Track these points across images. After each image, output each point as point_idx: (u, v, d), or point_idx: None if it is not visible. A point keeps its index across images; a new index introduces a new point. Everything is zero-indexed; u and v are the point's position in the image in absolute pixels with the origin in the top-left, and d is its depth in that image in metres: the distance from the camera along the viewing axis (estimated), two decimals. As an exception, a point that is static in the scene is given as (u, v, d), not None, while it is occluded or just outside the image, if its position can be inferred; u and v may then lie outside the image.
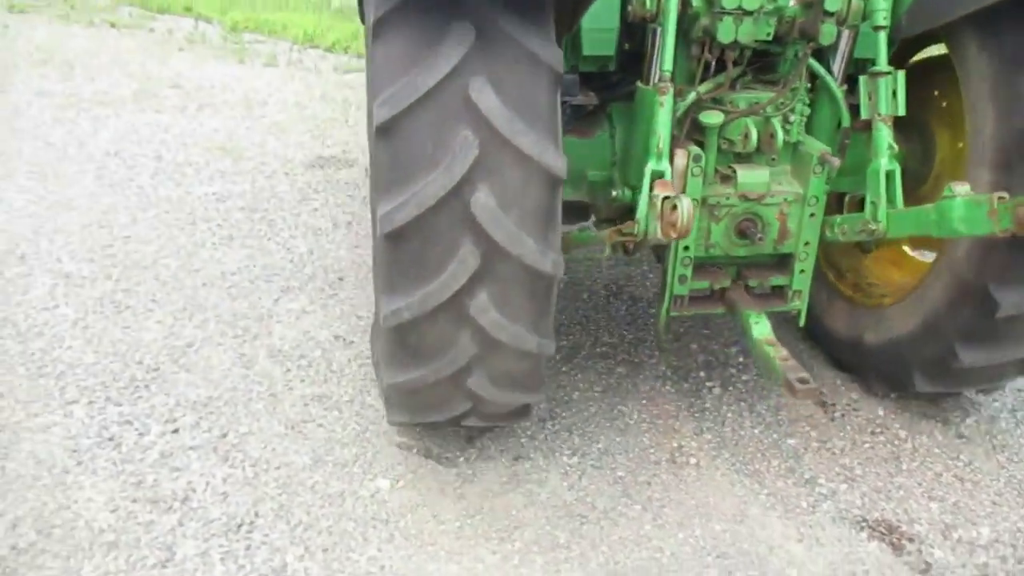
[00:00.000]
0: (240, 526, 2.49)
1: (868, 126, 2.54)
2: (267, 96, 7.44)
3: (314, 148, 5.99)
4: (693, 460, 2.89)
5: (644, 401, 3.21)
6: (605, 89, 2.84)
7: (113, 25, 11.05)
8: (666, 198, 2.16)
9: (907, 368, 2.88)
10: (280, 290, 3.89)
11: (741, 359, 3.50)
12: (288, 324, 3.60)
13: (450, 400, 2.45)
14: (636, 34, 2.63)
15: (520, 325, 2.27)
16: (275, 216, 4.75)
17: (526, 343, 2.29)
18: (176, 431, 2.90)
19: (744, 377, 3.38)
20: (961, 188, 2.24)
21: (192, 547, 2.41)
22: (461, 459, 2.83)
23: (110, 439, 2.84)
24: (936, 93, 2.94)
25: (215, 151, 5.85)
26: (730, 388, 3.31)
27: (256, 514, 2.54)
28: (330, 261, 4.21)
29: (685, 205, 2.08)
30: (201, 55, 9.22)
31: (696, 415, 3.13)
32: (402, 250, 2.16)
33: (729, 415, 3.14)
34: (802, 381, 2.40)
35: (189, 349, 3.39)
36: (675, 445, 2.96)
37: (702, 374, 3.40)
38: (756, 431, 3.06)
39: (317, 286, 3.95)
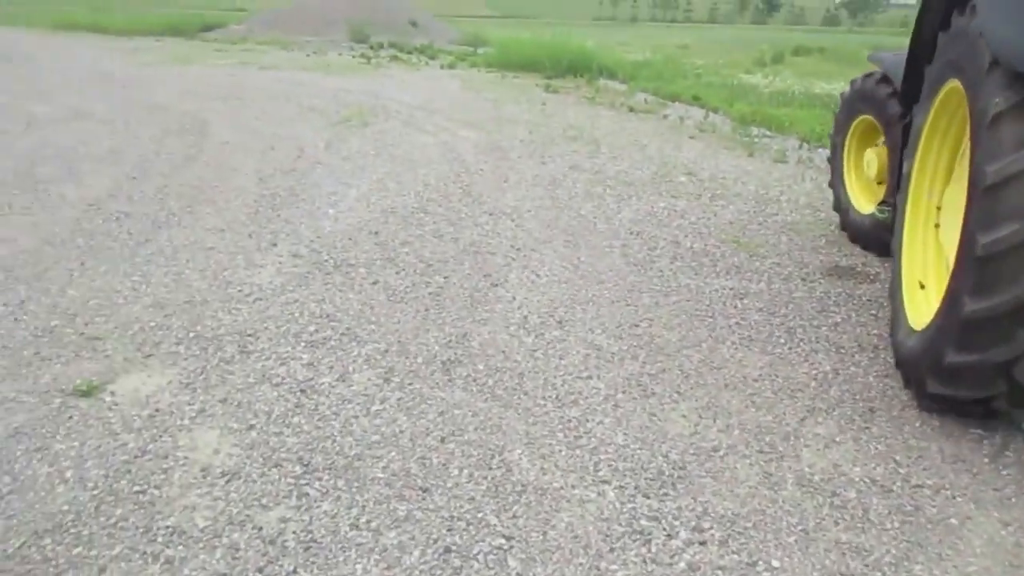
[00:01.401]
0: None
1: None
2: (778, 194, 7.34)
3: (831, 255, 5.70)
4: None
5: None
6: None
7: (631, 109, 11.97)
8: None
9: None
10: (806, 409, 3.64)
11: None
12: (816, 451, 3.33)
13: (1017, 334, 3.02)
14: None
15: None
16: (794, 324, 4.54)
17: None
18: (703, 543, 2.77)
19: None
20: None
21: None
22: None
23: (639, 532, 2.81)
24: None
25: (730, 243, 5.86)
26: None
27: (793, 671, 2.29)
28: (858, 387, 3.86)
29: None
30: (711, 145, 9.50)
31: None
32: (1002, 199, 2.96)
33: None
34: None
35: (715, 454, 3.28)
36: None
37: None
38: None
39: (846, 413, 3.62)
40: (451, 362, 3.96)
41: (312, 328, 4.29)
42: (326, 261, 5.29)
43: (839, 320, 4.62)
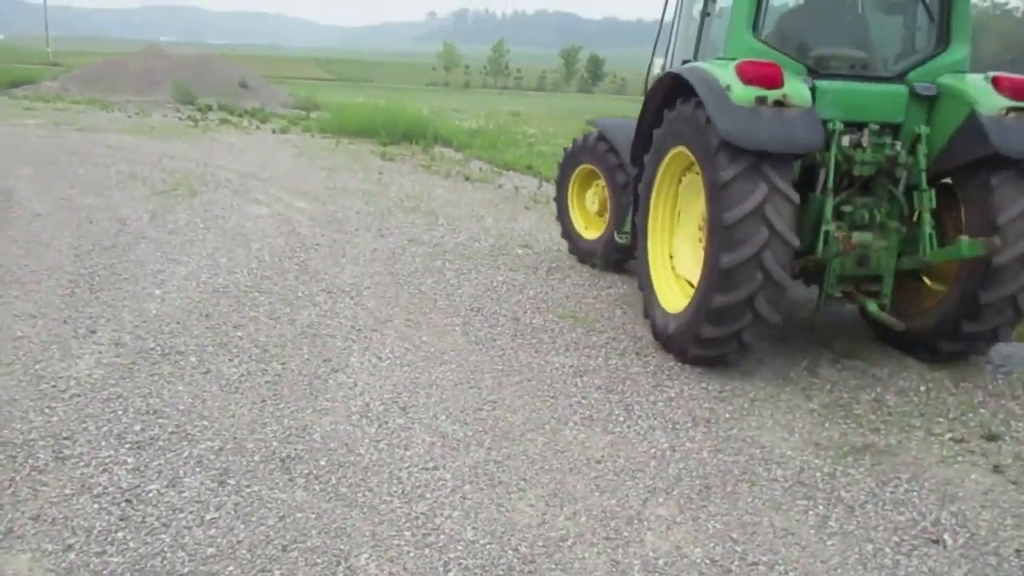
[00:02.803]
0: None
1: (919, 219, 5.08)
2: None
3: (663, 328, 5.94)
4: None
5: None
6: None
7: (467, 179, 12.16)
8: (844, 234, 4.85)
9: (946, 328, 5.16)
10: (647, 490, 3.74)
11: None
12: (659, 534, 3.42)
13: (755, 275, 4.67)
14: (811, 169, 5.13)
15: (781, 266, 4.67)
16: (632, 400, 4.68)
17: (783, 278, 4.72)
18: (556, 642, 2.76)
19: None
20: (964, 239, 4.66)
21: None
22: None
23: (492, 636, 2.77)
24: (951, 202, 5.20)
25: (568, 318, 6.01)
26: None
27: None
28: (693, 463, 4.02)
29: (856, 235, 4.87)
30: (545, 216, 9.76)
31: None
32: (734, 234, 4.62)
33: None
34: (898, 323, 5.04)
35: (563, 544, 3.30)
36: None
37: None
38: None
39: (684, 492, 3.75)
40: (291, 459, 3.80)
41: (137, 427, 4.01)
42: (152, 349, 4.98)
43: (673, 395, 4.81)
